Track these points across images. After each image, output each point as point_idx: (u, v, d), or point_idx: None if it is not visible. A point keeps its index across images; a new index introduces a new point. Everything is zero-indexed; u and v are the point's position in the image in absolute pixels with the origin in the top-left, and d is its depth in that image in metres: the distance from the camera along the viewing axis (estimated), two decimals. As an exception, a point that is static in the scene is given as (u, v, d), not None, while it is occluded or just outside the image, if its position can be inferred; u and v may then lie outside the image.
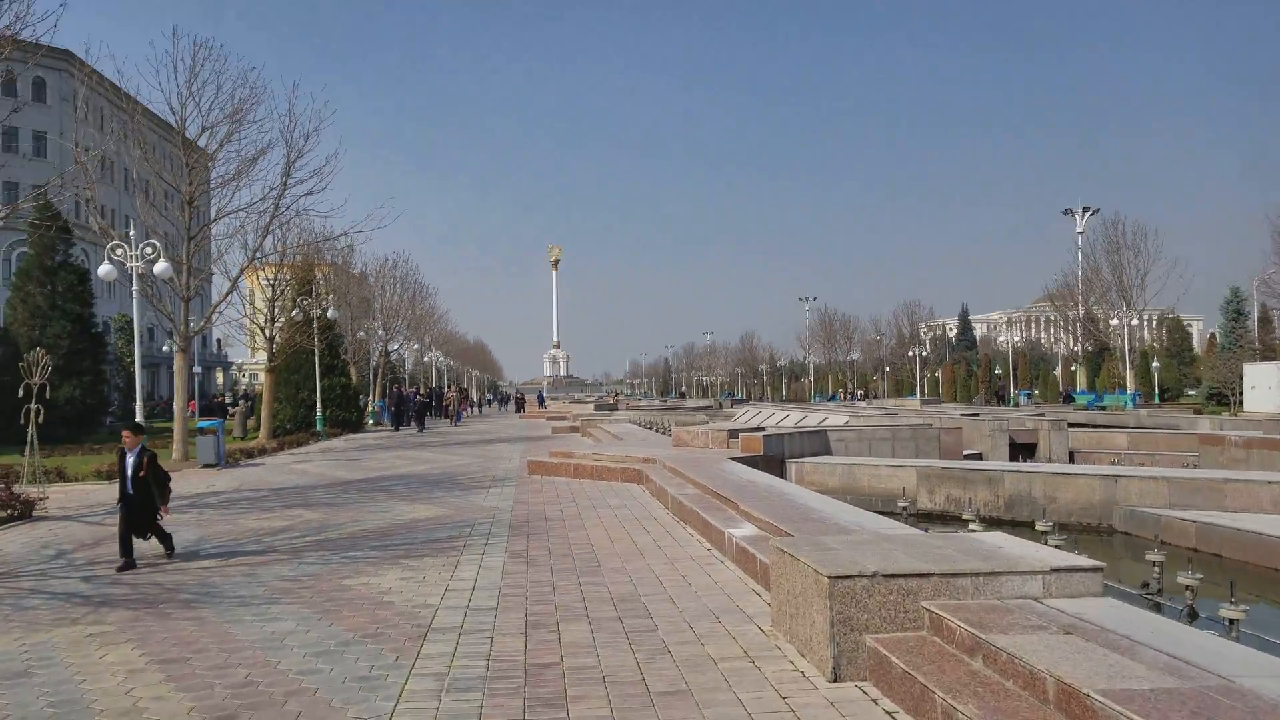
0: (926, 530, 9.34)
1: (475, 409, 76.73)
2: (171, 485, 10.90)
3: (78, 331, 37.17)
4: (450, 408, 49.21)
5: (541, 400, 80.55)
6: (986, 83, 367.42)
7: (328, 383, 38.59)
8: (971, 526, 12.70)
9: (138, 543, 10.54)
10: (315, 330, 35.98)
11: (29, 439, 15.12)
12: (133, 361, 49.45)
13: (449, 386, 55.97)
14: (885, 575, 5.93)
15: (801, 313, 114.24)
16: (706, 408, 54.36)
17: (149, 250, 22.21)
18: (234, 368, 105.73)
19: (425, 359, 78.65)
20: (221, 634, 7.31)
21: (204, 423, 23.23)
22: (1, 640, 7.30)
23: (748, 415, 40.08)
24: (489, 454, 26.32)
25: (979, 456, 25.06)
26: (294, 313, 36.24)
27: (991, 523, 14.44)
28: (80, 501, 16.22)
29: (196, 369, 75.81)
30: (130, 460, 10.44)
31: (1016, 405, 66.77)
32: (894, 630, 5.86)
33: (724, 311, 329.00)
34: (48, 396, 16.55)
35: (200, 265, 25.39)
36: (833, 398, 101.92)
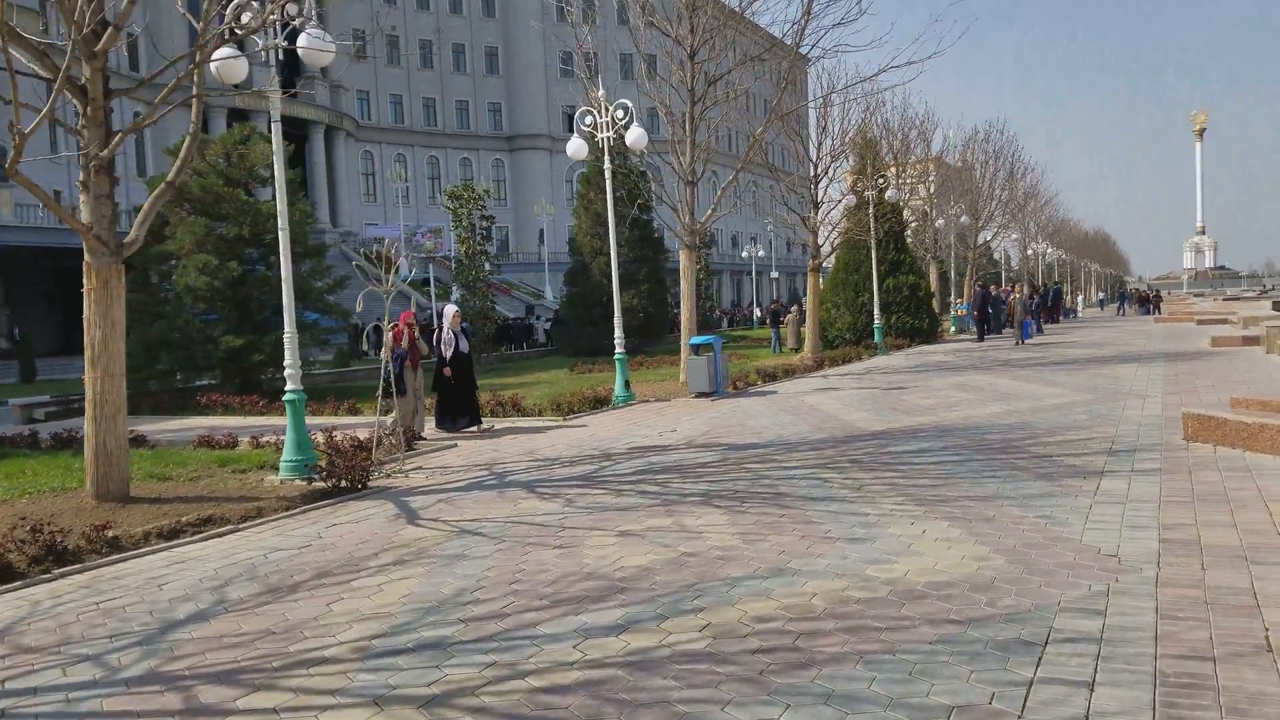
0: None
1: (1069, 314, 57.91)
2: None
3: (636, 238, 35.48)
4: (1012, 315, 31.05)
5: (1152, 301, 59.22)
6: None
7: (892, 282, 31.51)
8: None
9: None
10: (872, 218, 28.94)
11: (383, 367, 10.70)
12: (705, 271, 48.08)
13: (1013, 286, 44.15)
14: None
15: None
16: None
17: (620, 114, 17.26)
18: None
19: (1030, 251, 66.78)
20: None
21: (699, 339, 17.87)
22: None
23: None
24: (1105, 385, 16.66)
25: None
26: (845, 197, 29.56)
27: None
28: (475, 458, 11.69)
29: (774, 274, 74.79)
30: None
31: None
32: None
33: None
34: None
35: (700, 139, 19.89)
36: None
